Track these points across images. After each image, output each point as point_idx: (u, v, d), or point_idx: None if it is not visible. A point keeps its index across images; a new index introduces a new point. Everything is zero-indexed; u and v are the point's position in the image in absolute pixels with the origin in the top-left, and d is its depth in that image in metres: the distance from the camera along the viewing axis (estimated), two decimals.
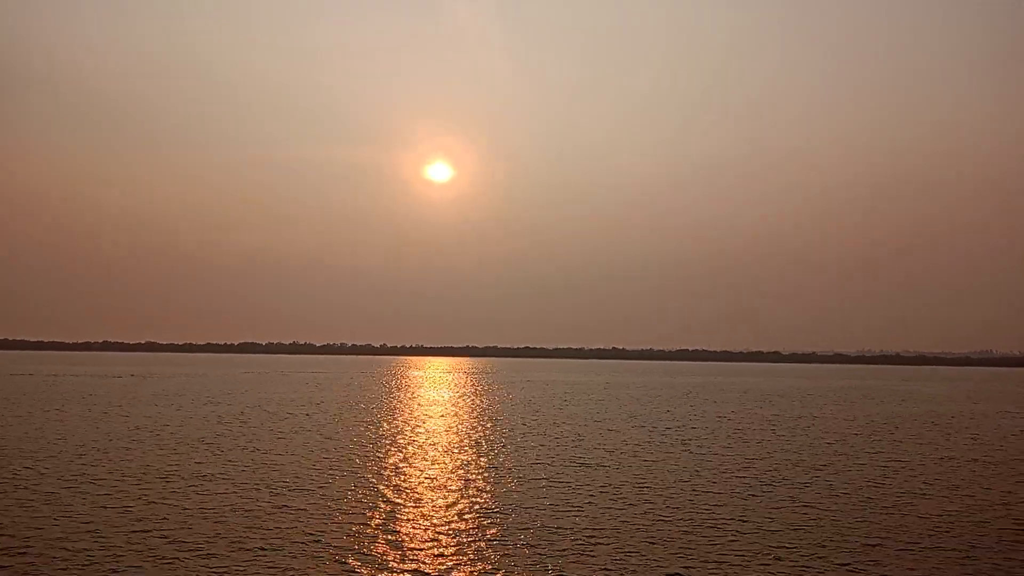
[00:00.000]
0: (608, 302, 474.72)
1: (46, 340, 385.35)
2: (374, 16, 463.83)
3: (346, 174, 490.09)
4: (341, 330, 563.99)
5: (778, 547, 19.35)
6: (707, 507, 24.06)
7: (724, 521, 22.09)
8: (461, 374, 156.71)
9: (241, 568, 16.71)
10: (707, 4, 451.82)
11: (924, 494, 27.12)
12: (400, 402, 70.84)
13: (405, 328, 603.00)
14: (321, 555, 17.87)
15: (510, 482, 28.04)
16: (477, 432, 45.37)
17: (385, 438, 41.46)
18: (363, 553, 18.13)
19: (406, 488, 26.53)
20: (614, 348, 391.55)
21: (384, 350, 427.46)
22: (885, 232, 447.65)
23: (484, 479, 28.68)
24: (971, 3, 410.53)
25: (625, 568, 17.38)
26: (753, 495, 26.26)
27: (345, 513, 22.29)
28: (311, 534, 19.76)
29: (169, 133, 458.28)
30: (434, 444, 39.14)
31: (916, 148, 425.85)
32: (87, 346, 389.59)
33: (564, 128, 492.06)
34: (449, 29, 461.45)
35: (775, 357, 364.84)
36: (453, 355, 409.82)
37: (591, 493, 26.06)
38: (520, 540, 19.56)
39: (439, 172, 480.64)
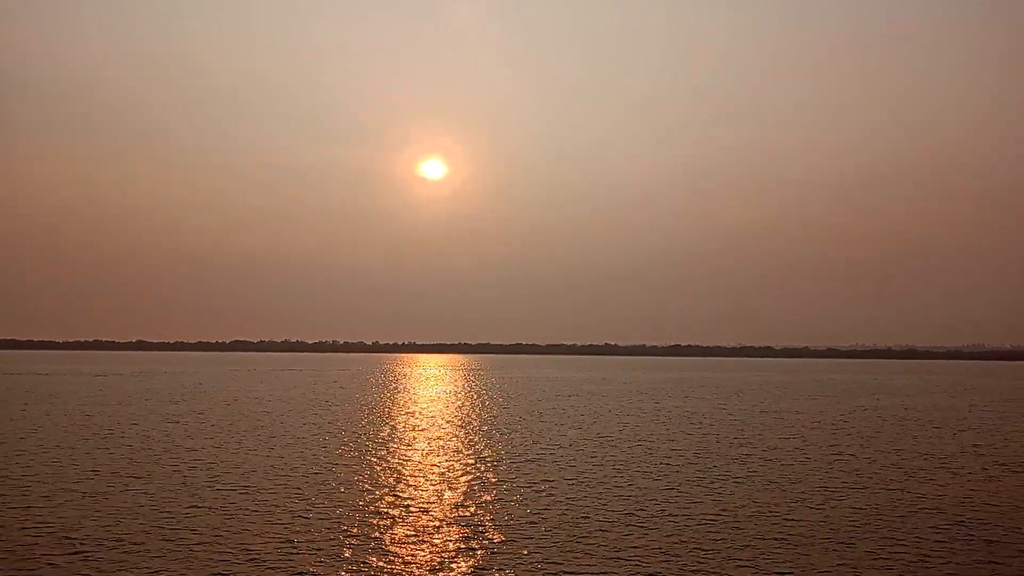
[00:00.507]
0: (602, 299, 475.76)
1: (36, 340, 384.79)
2: (372, 17, 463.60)
3: (341, 173, 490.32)
4: (334, 328, 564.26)
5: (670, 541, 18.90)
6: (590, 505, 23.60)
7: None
8: (446, 372, 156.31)
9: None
10: (706, 4, 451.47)
11: (831, 488, 26.69)
12: (370, 400, 70.35)
13: (398, 325, 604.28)
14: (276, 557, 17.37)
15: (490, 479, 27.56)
16: (447, 431, 44.90)
17: (339, 438, 40.96)
18: (335, 556, 17.63)
19: (372, 490, 26.02)
20: (606, 344, 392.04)
21: (376, 348, 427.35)
22: (880, 229, 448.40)
23: (454, 477, 28.19)
24: (970, 3, 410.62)
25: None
26: (633, 488, 25.82)
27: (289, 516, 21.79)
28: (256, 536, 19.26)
29: (168, 135, 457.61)
30: (401, 442, 38.67)
31: (913, 146, 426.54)
32: (77, 345, 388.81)
33: (561, 128, 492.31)
34: (447, 29, 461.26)
35: (767, 352, 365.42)
36: (445, 352, 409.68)
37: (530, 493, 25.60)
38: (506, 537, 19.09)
39: (434, 170, 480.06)
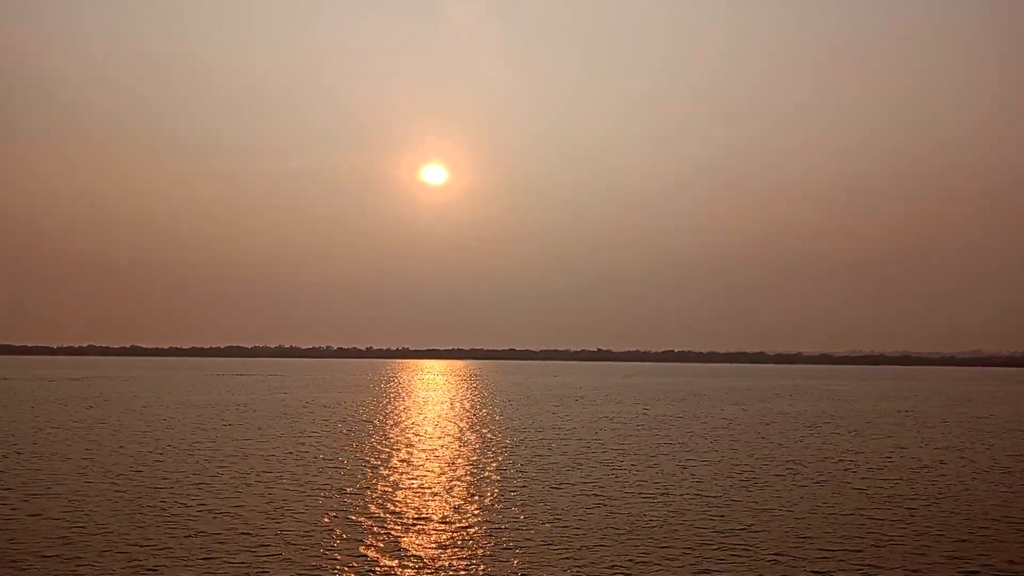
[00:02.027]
0: (596, 304, 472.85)
1: (29, 344, 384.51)
2: (371, 19, 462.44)
3: (340, 177, 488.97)
4: (330, 334, 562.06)
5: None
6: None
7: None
8: (447, 378, 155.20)
9: None
10: (706, 4, 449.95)
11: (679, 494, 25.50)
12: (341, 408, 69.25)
13: (391, 331, 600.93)
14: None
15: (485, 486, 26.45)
16: (424, 436, 43.81)
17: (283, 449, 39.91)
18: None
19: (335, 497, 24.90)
20: (599, 350, 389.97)
21: (370, 353, 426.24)
22: (878, 231, 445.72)
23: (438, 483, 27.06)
24: (970, 3, 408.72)
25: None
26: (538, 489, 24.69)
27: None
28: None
29: (166, 138, 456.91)
30: (382, 455, 37.58)
31: (911, 149, 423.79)
32: (70, 350, 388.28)
33: (561, 130, 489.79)
34: (446, 31, 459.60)
35: (760, 358, 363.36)
36: (439, 358, 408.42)
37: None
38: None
39: (435, 175, 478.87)
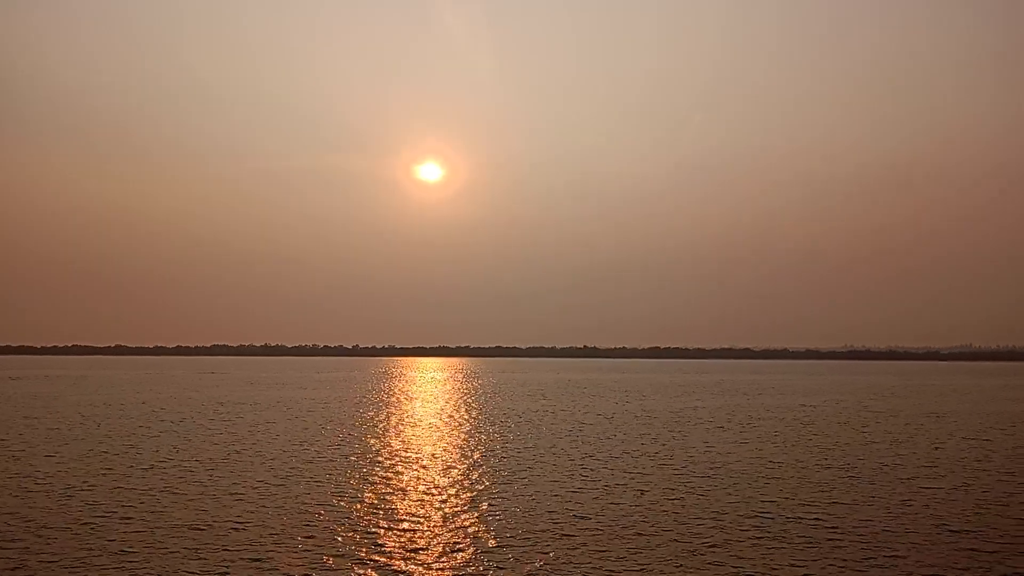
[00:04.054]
0: (583, 302, 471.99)
1: (13, 344, 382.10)
2: (366, 19, 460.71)
3: (335, 176, 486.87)
4: (317, 332, 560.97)
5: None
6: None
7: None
8: (435, 377, 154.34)
9: None
10: (701, 4, 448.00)
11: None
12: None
13: (378, 329, 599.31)
14: None
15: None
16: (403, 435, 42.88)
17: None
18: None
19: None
20: (585, 347, 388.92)
21: (357, 351, 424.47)
22: (865, 230, 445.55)
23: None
24: (967, 3, 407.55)
25: None
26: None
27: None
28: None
29: (159, 140, 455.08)
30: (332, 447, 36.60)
31: (900, 149, 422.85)
32: (54, 350, 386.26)
33: (554, 129, 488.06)
34: (440, 32, 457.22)
35: (746, 354, 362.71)
36: (426, 355, 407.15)
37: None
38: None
39: (430, 172, 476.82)
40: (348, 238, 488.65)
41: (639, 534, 19.28)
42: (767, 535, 19.21)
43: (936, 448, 36.93)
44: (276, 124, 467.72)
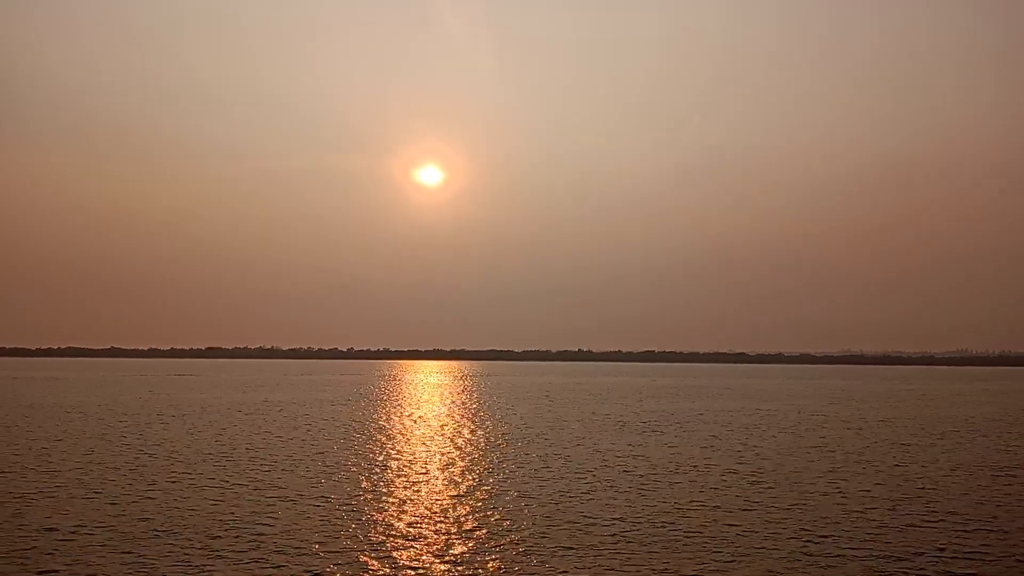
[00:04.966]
0: (578, 305, 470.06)
1: (7, 346, 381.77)
2: (365, 19, 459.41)
3: (333, 177, 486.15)
4: (312, 334, 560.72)
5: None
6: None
7: None
8: (432, 381, 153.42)
9: None
10: (701, 4, 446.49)
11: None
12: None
13: (372, 332, 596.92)
14: None
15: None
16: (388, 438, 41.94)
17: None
18: None
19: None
20: (580, 350, 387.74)
21: (351, 354, 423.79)
22: (868, 230, 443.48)
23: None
24: (967, 3, 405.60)
25: None
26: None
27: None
28: None
29: (157, 140, 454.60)
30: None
31: (905, 149, 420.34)
32: (48, 352, 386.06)
33: (555, 129, 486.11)
34: (439, 32, 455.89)
35: (741, 358, 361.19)
36: (420, 358, 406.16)
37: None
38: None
39: (429, 175, 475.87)
40: (348, 238, 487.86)
41: (490, 534, 18.25)
42: (597, 538, 18.22)
43: (848, 454, 35.89)
44: (276, 124, 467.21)
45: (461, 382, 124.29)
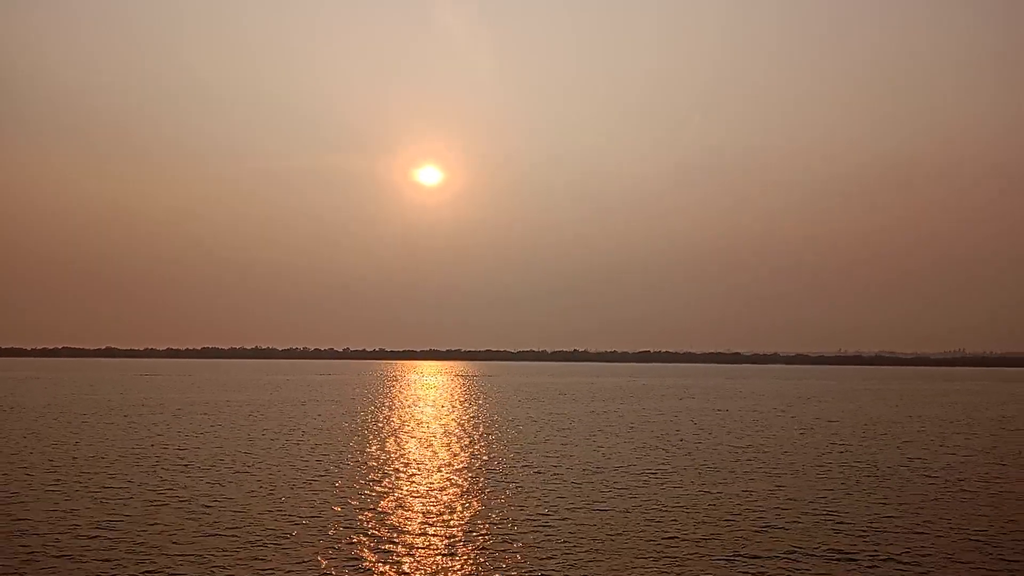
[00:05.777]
0: (573, 305, 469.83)
1: (3, 347, 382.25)
2: (364, 20, 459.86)
3: (333, 177, 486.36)
4: (309, 335, 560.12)
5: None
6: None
7: None
8: (430, 382, 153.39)
9: None
10: (701, 4, 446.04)
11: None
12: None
13: (368, 332, 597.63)
14: None
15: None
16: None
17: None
18: None
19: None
20: (575, 351, 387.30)
21: (347, 354, 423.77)
22: (868, 231, 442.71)
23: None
24: (967, 3, 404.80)
25: None
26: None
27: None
28: None
29: (156, 139, 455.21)
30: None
31: (905, 149, 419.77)
32: (44, 352, 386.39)
33: (555, 129, 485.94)
34: (439, 33, 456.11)
35: (735, 358, 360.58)
36: (416, 359, 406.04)
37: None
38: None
39: (429, 176, 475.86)
40: (347, 238, 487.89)
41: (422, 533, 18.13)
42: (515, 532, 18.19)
43: (785, 453, 35.80)
44: (276, 124, 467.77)
45: (449, 383, 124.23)
